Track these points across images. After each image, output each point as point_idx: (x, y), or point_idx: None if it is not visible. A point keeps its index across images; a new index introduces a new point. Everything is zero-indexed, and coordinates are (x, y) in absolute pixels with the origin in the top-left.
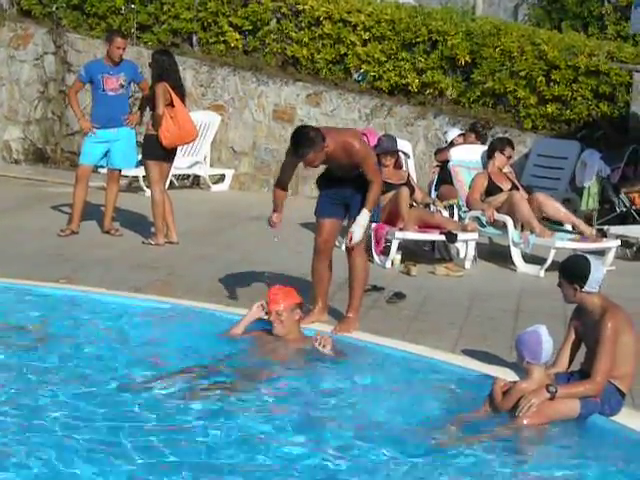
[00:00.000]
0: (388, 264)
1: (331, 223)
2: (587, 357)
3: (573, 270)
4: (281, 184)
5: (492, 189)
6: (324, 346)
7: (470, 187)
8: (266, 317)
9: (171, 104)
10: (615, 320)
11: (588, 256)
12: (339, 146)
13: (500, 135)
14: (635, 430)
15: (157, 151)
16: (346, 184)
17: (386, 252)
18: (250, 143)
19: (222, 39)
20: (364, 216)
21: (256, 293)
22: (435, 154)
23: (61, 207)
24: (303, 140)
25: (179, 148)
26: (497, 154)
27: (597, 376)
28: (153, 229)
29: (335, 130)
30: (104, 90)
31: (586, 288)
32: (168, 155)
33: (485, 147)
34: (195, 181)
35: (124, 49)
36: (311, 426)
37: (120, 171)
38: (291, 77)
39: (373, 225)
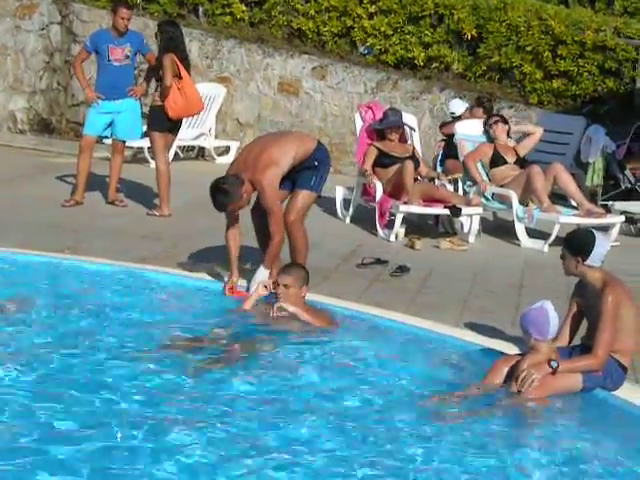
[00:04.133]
0: (392, 237)
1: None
2: (588, 331)
3: (578, 242)
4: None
5: (497, 159)
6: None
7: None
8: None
9: (178, 75)
10: (615, 294)
11: (594, 231)
12: (253, 185)
13: (505, 110)
14: (637, 405)
15: (163, 122)
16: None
17: (390, 225)
18: (255, 115)
19: (228, 11)
20: (261, 273)
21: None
22: (440, 127)
23: (66, 177)
24: (219, 195)
25: (184, 120)
26: (492, 127)
27: (598, 350)
28: (157, 200)
29: (253, 162)
30: (109, 60)
31: (588, 262)
32: (173, 127)
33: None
34: (200, 153)
35: (129, 20)
36: (312, 397)
37: (124, 142)
38: (297, 50)
39: (377, 198)
